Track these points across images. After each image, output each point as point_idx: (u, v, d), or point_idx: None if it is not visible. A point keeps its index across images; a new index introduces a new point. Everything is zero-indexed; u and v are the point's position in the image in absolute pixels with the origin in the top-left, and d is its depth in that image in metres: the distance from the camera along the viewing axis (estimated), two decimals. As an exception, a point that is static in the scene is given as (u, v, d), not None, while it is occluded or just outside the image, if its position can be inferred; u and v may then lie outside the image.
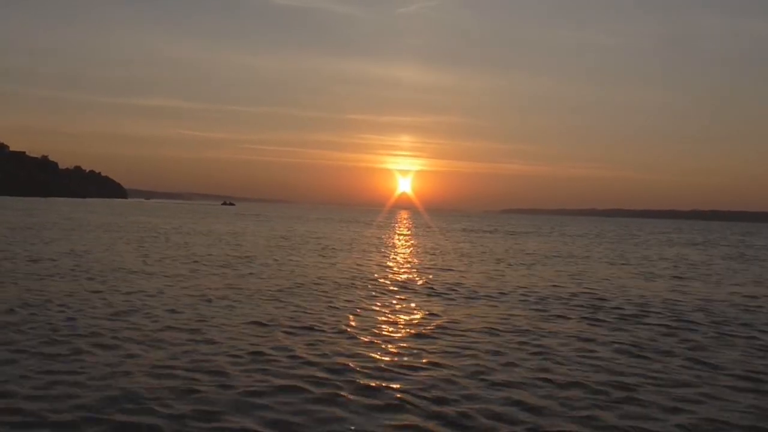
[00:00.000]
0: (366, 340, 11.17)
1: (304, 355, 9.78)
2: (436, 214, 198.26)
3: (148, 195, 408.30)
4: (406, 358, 9.91)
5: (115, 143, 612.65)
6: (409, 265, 26.17)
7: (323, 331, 11.79)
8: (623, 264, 31.01)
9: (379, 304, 15.36)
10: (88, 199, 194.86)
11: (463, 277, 22.21)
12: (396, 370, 9.19)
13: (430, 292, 17.84)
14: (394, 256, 30.97)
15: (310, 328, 11.91)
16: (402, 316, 13.81)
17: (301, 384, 8.26)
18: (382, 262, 27.10)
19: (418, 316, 13.87)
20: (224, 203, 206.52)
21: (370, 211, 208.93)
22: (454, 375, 9.00)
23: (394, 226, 77.35)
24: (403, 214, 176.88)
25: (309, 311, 13.83)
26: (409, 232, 61.25)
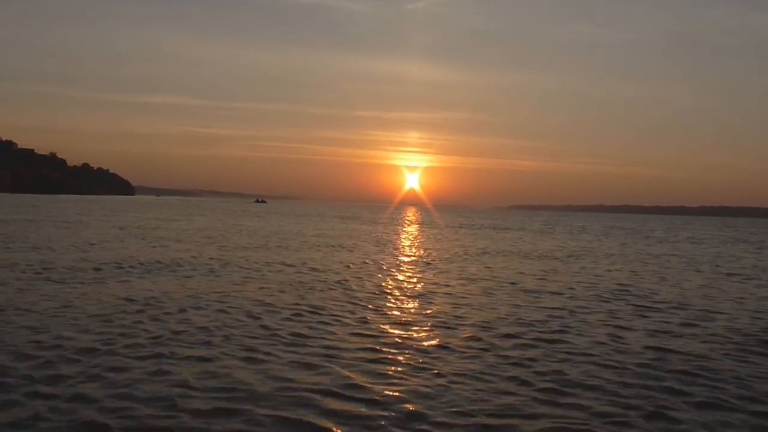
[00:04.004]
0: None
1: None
2: (444, 211, 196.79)
3: (157, 192, 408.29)
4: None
5: (122, 140, 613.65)
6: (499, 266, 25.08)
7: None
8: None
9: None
10: (103, 197, 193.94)
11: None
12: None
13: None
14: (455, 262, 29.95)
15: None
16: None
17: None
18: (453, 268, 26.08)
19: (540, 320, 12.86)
20: (257, 200, 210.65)
21: (379, 208, 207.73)
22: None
23: (413, 225, 76.27)
24: (411, 211, 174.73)
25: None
26: (441, 231, 60.02)
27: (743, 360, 10.17)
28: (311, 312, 13.05)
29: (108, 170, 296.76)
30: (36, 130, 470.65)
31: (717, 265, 29.07)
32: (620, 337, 11.61)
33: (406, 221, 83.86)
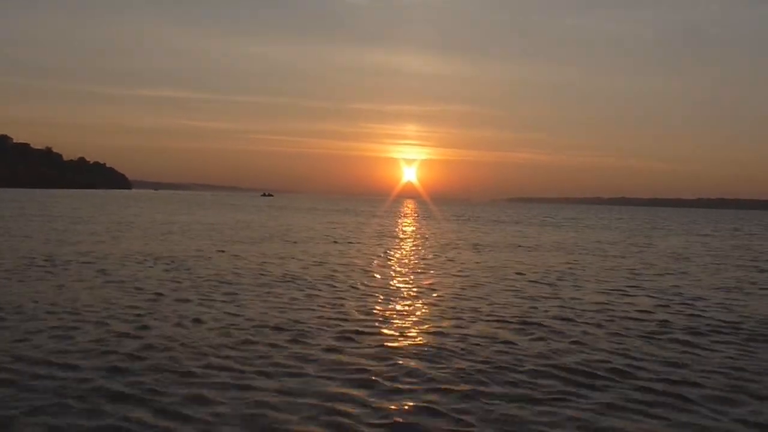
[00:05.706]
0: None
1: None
2: (442, 203, 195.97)
3: (154, 186, 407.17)
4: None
5: (119, 134, 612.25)
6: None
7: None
8: None
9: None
10: (100, 191, 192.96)
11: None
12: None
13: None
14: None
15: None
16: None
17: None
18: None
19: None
20: (264, 194, 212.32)
21: (377, 201, 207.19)
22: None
23: (412, 217, 76.08)
24: (409, 204, 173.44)
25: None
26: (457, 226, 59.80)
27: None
28: (323, 308, 12.73)
29: (104, 164, 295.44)
30: (31, 125, 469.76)
31: None
32: (623, 342, 11.26)
33: (405, 214, 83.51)
